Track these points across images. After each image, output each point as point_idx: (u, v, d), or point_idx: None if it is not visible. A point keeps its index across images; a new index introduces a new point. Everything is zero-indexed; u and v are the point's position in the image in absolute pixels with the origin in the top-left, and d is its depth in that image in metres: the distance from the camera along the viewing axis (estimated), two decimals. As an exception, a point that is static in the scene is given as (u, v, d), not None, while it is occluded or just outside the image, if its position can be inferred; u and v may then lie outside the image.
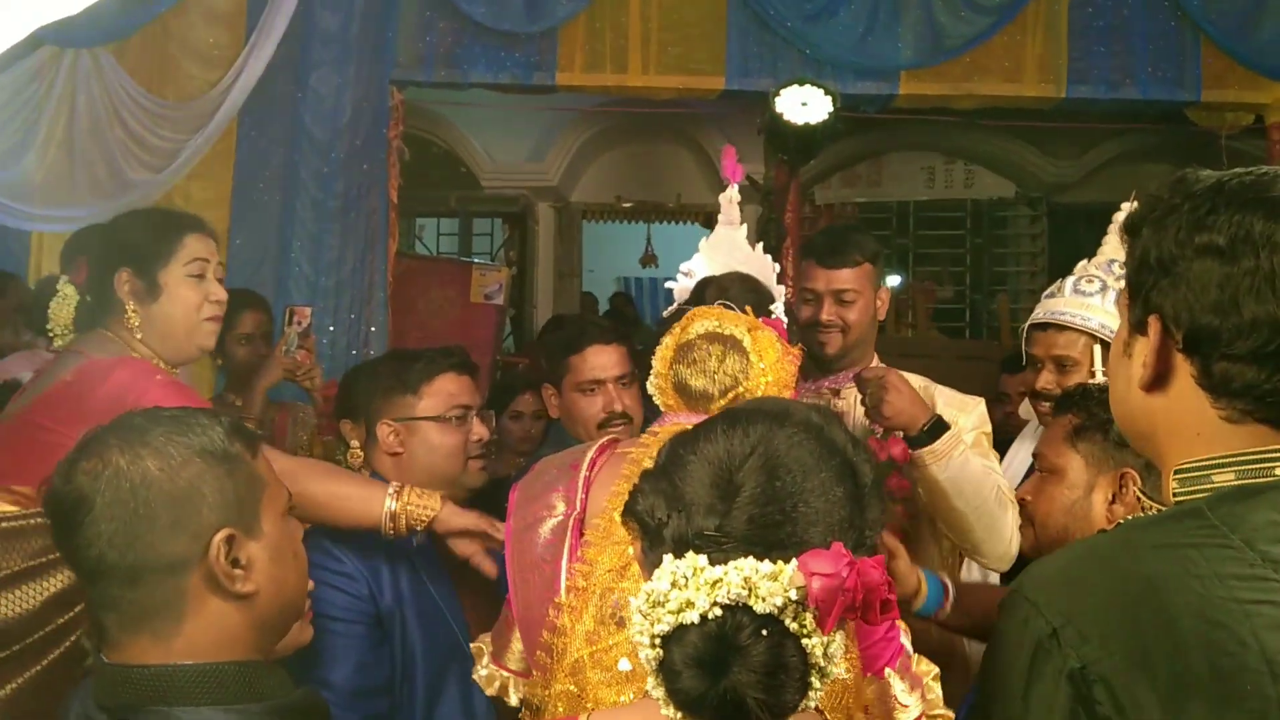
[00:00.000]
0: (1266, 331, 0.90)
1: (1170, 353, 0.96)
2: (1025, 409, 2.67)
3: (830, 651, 0.89)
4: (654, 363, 1.58)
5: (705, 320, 1.53)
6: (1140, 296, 0.98)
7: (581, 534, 1.41)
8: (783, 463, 0.93)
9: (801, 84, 3.98)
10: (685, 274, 1.90)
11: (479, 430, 1.92)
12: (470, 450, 1.91)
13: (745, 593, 0.86)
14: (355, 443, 1.98)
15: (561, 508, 1.45)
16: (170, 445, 1.05)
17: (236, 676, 1.04)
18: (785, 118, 3.91)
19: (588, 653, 1.27)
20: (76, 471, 1.04)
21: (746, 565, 0.87)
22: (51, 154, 3.60)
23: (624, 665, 0.92)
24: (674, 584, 0.88)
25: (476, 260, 6.15)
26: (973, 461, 2.03)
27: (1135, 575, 0.91)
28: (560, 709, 1.28)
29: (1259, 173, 0.94)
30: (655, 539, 0.94)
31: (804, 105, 3.92)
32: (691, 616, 0.86)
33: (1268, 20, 4.39)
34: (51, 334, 2.15)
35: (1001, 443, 2.39)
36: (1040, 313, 2.32)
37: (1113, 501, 1.60)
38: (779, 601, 0.86)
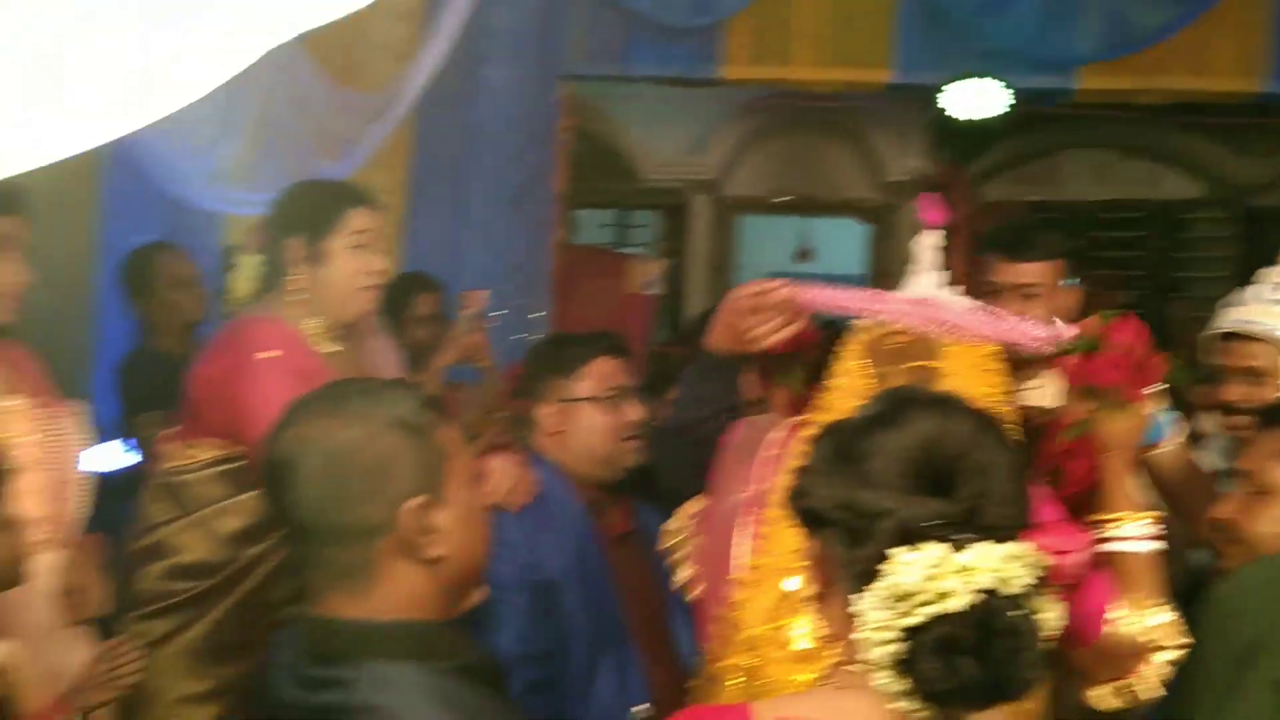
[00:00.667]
0: None
1: None
2: (1211, 422, 2.52)
3: (1055, 626, 0.91)
4: (841, 360, 1.53)
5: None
6: None
7: (759, 515, 1.43)
8: (986, 451, 0.95)
9: (973, 78, 3.86)
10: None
11: (633, 411, 1.99)
12: (626, 431, 1.97)
13: (998, 577, 0.88)
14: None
15: (745, 486, 1.47)
16: (368, 415, 1.11)
17: (427, 635, 1.10)
18: (955, 113, 3.80)
19: (766, 630, 1.29)
20: (283, 438, 1.12)
21: (990, 550, 0.89)
22: (247, 141, 3.86)
23: (803, 645, 0.93)
24: (927, 577, 0.88)
25: (634, 251, 6.24)
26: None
27: None
28: (736, 681, 1.31)
29: None
30: (861, 534, 0.93)
31: (975, 100, 3.80)
32: (954, 605, 0.87)
33: None
34: (229, 305, 2.36)
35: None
36: (1227, 322, 2.18)
37: None
38: (1027, 582, 0.88)
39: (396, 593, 1.10)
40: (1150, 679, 1.38)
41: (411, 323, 3.21)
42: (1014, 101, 3.95)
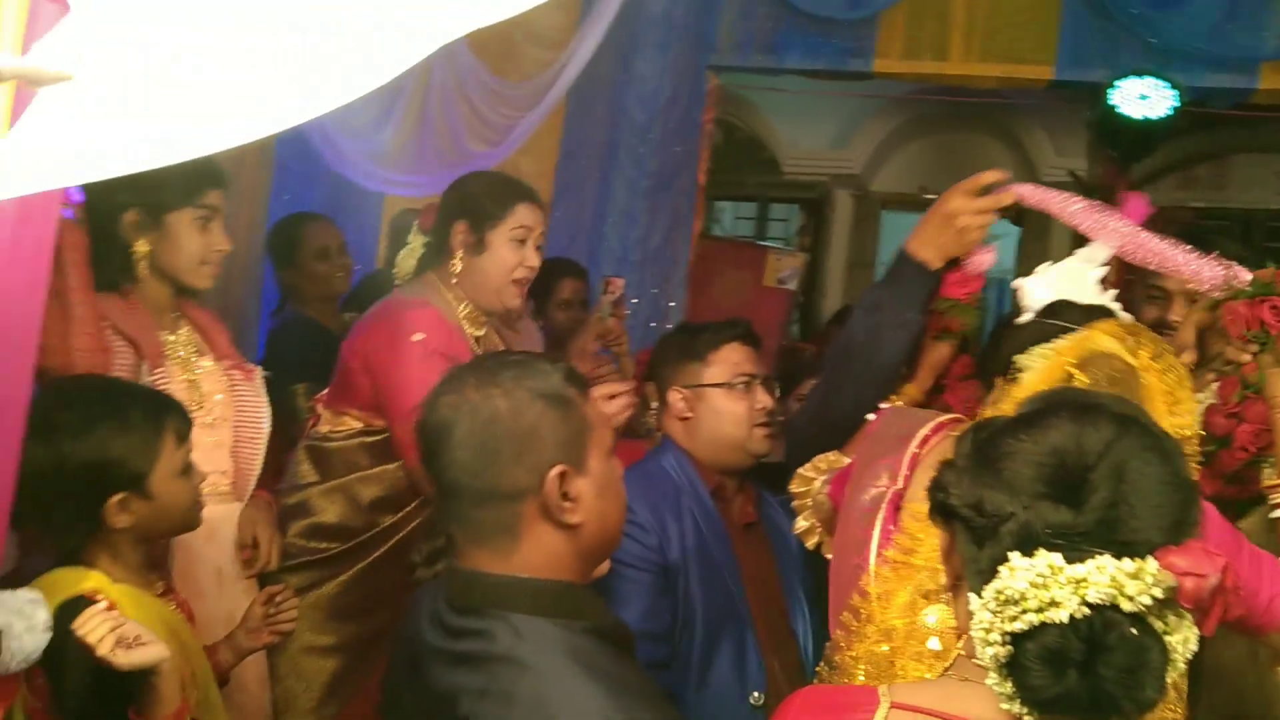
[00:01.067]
0: None
1: None
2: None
3: (1190, 647, 0.88)
4: (1036, 361, 1.48)
5: (1110, 339, 1.44)
6: None
7: (898, 509, 1.42)
8: (1133, 464, 0.91)
9: (1142, 75, 3.68)
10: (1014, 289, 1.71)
11: (763, 398, 1.99)
12: (755, 418, 1.98)
13: (1114, 592, 0.86)
14: (655, 403, 2.12)
15: (884, 480, 1.47)
16: (518, 387, 1.18)
17: (564, 594, 1.17)
18: (1120, 111, 3.64)
19: (903, 622, 1.29)
20: (440, 404, 1.20)
21: (1109, 564, 0.86)
22: (407, 127, 4.04)
23: (933, 644, 0.93)
24: (1033, 584, 0.87)
25: (772, 244, 6.22)
26: None
27: None
28: (863, 671, 1.31)
29: None
30: (986, 534, 0.93)
31: (1143, 99, 3.63)
32: (1060, 615, 0.86)
33: None
34: (396, 278, 2.48)
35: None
36: None
37: None
38: (1147, 600, 0.85)
39: (537, 553, 1.17)
40: None
41: (555, 306, 3.31)
42: (1185, 101, 3.74)
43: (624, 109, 4.20)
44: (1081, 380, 1.40)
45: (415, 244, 2.40)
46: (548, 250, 4.00)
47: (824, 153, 6.91)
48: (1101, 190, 4.17)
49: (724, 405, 1.97)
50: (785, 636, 1.89)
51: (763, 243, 6.70)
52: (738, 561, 1.89)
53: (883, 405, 1.79)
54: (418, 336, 2.07)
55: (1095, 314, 1.58)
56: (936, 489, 0.98)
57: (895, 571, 1.32)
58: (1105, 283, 1.69)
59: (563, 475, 1.16)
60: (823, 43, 4.18)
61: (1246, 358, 1.72)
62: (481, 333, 2.23)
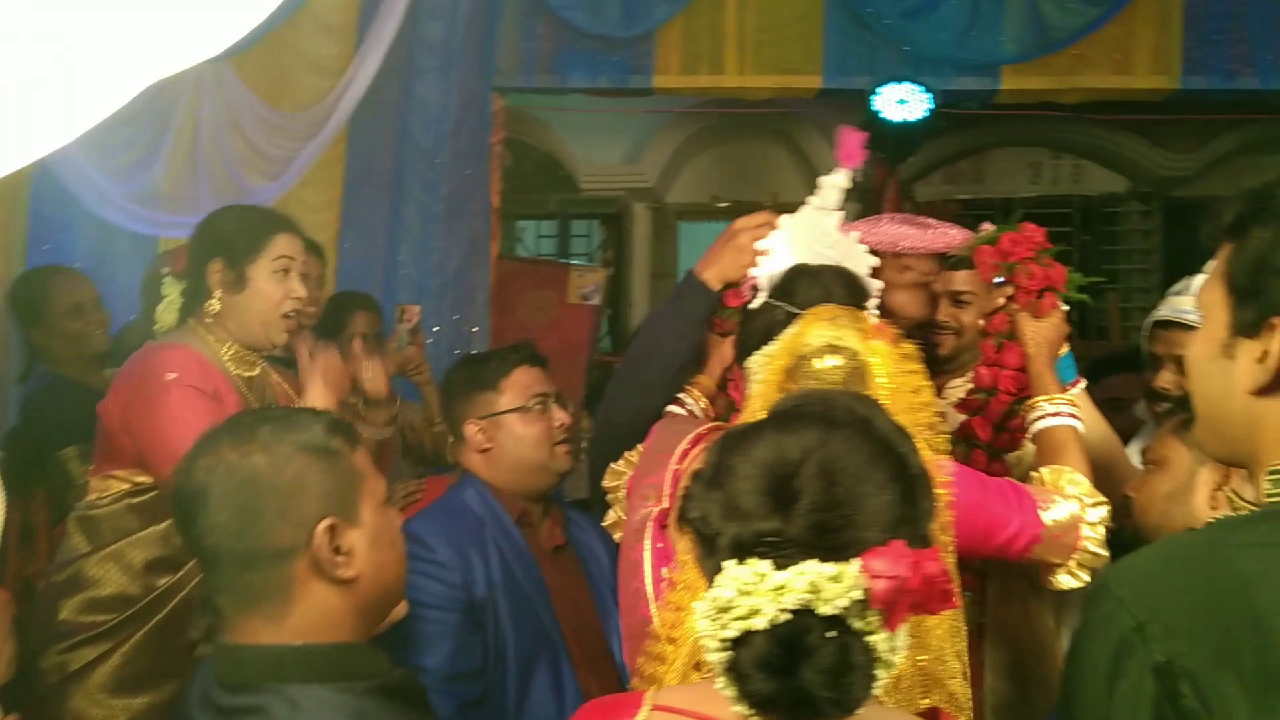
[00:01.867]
0: None
1: None
2: (1141, 409, 2.60)
3: (896, 645, 0.91)
4: (759, 369, 1.55)
5: (821, 328, 1.48)
6: (1256, 300, 0.96)
7: (664, 527, 1.44)
8: (839, 467, 0.94)
9: (900, 81, 3.93)
10: (762, 253, 1.78)
11: (560, 416, 2.00)
12: (555, 436, 1.98)
13: (810, 596, 0.88)
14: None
15: (651, 499, 1.49)
16: (277, 442, 1.13)
17: (343, 656, 1.12)
18: (883, 116, 3.88)
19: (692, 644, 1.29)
20: (194, 468, 1.13)
21: (810, 569, 0.89)
22: (177, 164, 3.81)
23: None
24: (740, 591, 0.89)
25: (574, 261, 6.25)
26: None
27: (1223, 572, 0.90)
28: None
29: None
30: (711, 546, 0.96)
31: (901, 103, 3.88)
32: (759, 623, 0.88)
33: (1400, 2, 4.16)
34: (158, 334, 2.33)
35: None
36: (1165, 310, 2.25)
37: (1218, 489, 1.59)
38: (844, 603, 0.88)
39: (313, 615, 1.11)
40: (1094, 542, 1.56)
41: (347, 341, 3.17)
42: (941, 103, 4.03)
43: (409, 135, 4.13)
44: (790, 388, 1.45)
45: (172, 294, 2.26)
46: (338, 284, 3.89)
47: (618, 168, 7.02)
48: (874, 190, 4.44)
49: (523, 429, 1.96)
50: (602, 657, 1.89)
51: (565, 260, 6.73)
52: (548, 588, 1.88)
53: (670, 408, 1.85)
54: (170, 376, 1.95)
55: (825, 283, 1.63)
56: (682, 501, 1.01)
57: (678, 596, 1.33)
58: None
59: (332, 528, 1.12)
60: (604, 60, 4.25)
61: (1001, 301, 1.93)
62: (254, 373, 2.13)
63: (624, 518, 1.75)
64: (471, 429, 1.96)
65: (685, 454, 1.54)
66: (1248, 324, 0.97)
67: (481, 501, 1.91)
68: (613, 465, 1.80)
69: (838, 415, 0.99)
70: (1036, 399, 1.78)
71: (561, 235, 7.75)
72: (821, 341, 1.48)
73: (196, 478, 1.12)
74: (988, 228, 2.01)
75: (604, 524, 1.81)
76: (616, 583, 1.96)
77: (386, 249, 4.06)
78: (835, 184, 1.79)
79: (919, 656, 1.38)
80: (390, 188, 4.10)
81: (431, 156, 4.10)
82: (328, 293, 3.68)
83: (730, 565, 0.92)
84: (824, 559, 0.89)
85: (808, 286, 1.62)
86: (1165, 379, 2.19)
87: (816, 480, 0.93)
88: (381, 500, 1.20)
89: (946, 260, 2.25)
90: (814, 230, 1.76)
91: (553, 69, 4.29)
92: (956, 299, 2.24)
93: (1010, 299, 1.91)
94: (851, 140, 1.81)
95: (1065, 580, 1.59)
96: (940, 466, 1.47)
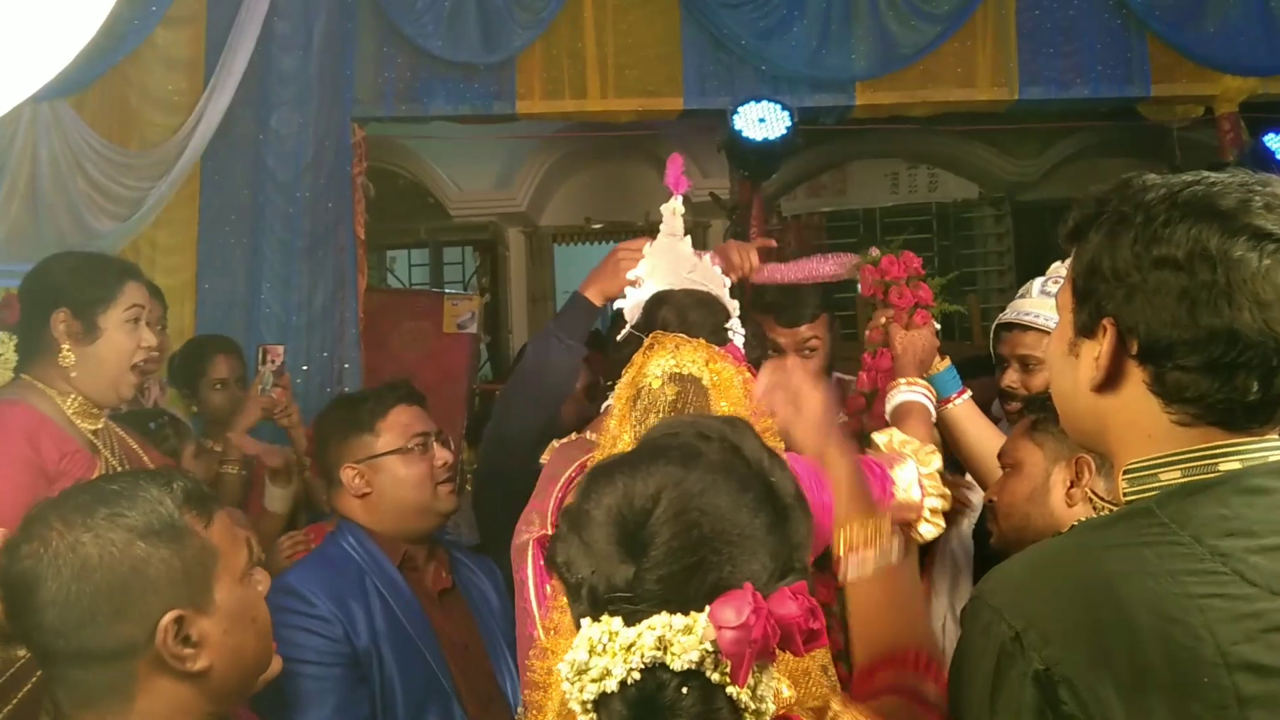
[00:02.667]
0: (1222, 344, 0.91)
1: (1123, 358, 0.98)
2: (996, 408, 2.71)
3: (760, 693, 0.87)
4: (613, 400, 1.55)
5: (661, 357, 1.48)
6: (1091, 302, 0.99)
7: (545, 552, 1.42)
8: (692, 510, 0.88)
9: (759, 101, 4.02)
10: (632, 283, 1.84)
11: (442, 455, 1.95)
12: (437, 475, 1.93)
13: (660, 652, 0.84)
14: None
15: (536, 523, 1.47)
16: (113, 527, 1.03)
17: None
18: (744, 135, 3.95)
19: None
20: (20, 554, 1.02)
21: (659, 623, 0.84)
22: (15, 208, 3.60)
23: None
24: (592, 650, 0.85)
25: (448, 290, 6.16)
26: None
27: (1092, 576, 0.93)
28: None
29: (1208, 182, 0.95)
30: (574, 595, 0.91)
31: (761, 122, 3.96)
32: (611, 684, 0.84)
33: (1211, 13, 4.48)
34: None
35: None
36: (1008, 313, 2.37)
37: (1071, 487, 1.66)
38: (695, 656, 0.83)
39: (159, 710, 1.03)
40: (935, 486, 1.66)
41: (208, 387, 3.05)
42: (799, 120, 4.13)
43: (267, 169, 3.99)
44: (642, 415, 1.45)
45: (6, 350, 2.10)
46: (198, 327, 3.72)
47: (489, 193, 6.97)
48: (741, 207, 4.52)
49: (403, 471, 1.90)
50: (495, 700, 1.85)
51: (438, 289, 6.62)
52: (436, 633, 1.82)
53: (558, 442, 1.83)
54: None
55: (682, 309, 1.65)
56: (550, 545, 0.95)
57: (556, 637, 1.31)
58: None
59: (179, 620, 1.03)
60: (465, 88, 4.21)
61: (883, 319, 2.15)
62: (98, 426, 1.99)
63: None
64: (348, 473, 1.90)
65: (570, 481, 1.52)
66: (1086, 325, 1.01)
67: (361, 548, 1.85)
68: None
69: (701, 447, 0.94)
70: (895, 380, 1.95)
71: (434, 263, 7.63)
72: (661, 371, 1.48)
73: (22, 566, 1.02)
74: (875, 252, 2.24)
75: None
76: (506, 623, 1.93)
77: (248, 288, 3.90)
78: (675, 209, 1.85)
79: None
80: (249, 225, 3.95)
81: (291, 190, 3.97)
82: (184, 337, 3.53)
83: (585, 624, 0.88)
84: (679, 609, 0.85)
85: (666, 314, 1.64)
86: (1011, 378, 2.31)
87: (669, 525, 0.87)
88: (242, 572, 1.12)
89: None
90: (672, 258, 1.80)
91: (413, 97, 4.21)
92: (806, 349, 2.43)
93: (888, 316, 2.13)
94: (674, 167, 1.87)
95: (926, 530, 1.66)
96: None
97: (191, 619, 1.04)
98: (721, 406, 1.45)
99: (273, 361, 2.85)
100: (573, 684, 0.86)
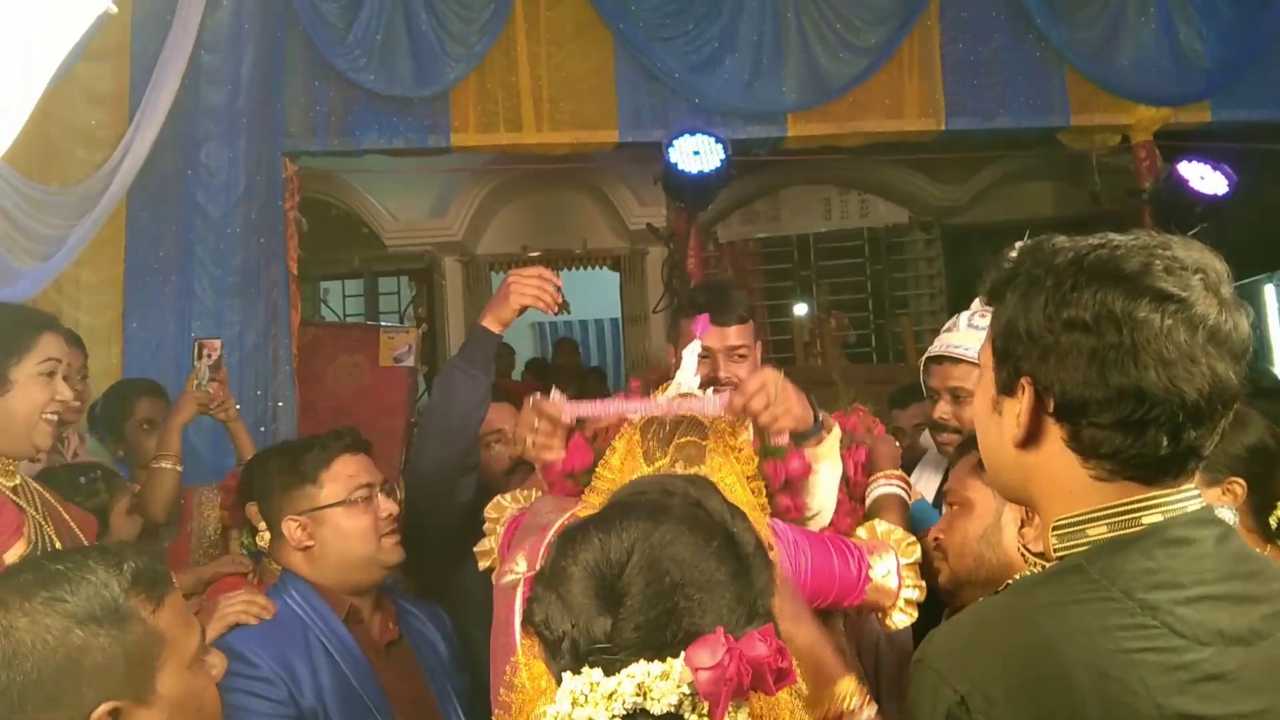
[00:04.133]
0: (1131, 402, 0.95)
1: (1041, 416, 1.01)
2: (925, 439, 2.76)
3: None
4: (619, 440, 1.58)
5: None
6: (1010, 362, 1.03)
7: None
8: (663, 561, 0.94)
9: (694, 134, 4.06)
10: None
11: (387, 506, 1.90)
12: (382, 528, 1.89)
13: (640, 699, 0.88)
14: (262, 526, 1.96)
15: (522, 564, 1.46)
16: (50, 614, 1.00)
17: None
18: (679, 168, 3.99)
19: None
20: None
21: (638, 671, 0.89)
22: (-72, 249, 3.47)
23: None
24: (574, 703, 0.89)
25: (384, 324, 6.08)
26: None
27: (1030, 637, 0.95)
28: None
29: (1113, 246, 0.99)
30: (554, 651, 0.95)
31: (696, 154, 4.00)
32: None
33: (1125, 46, 4.67)
34: None
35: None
36: (937, 346, 2.40)
37: (1022, 526, 1.67)
38: (674, 699, 0.88)
39: None
40: (912, 578, 1.68)
41: (134, 429, 3.00)
42: (732, 151, 4.18)
43: (196, 205, 3.91)
44: (644, 450, 1.53)
45: None
46: (126, 368, 3.62)
47: (425, 222, 6.92)
48: (678, 236, 4.55)
49: (347, 524, 1.85)
50: (444, 752, 1.82)
51: (373, 323, 6.54)
52: (383, 687, 1.78)
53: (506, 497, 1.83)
54: None
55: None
56: (527, 605, 0.98)
57: (533, 677, 1.31)
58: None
59: (114, 712, 1.00)
60: (398, 121, 4.19)
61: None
62: (15, 482, 1.92)
63: (495, 549, 1.74)
64: (291, 525, 1.84)
65: (557, 527, 1.52)
66: (1006, 384, 1.04)
67: (304, 603, 1.80)
68: (499, 498, 1.83)
69: (666, 501, 0.99)
70: (875, 475, 1.92)
71: (369, 293, 7.54)
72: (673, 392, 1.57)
73: None
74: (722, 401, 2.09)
75: (475, 549, 1.80)
76: (455, 673, 1.90)
77: (178, 327, 3.81)
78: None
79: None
80: (178, 262, 3.87)
81: (222, 227, 3.90)
82: (111, 377, 3.43)
83: (566, 678, 0.91)
84: (656, 656, 0.90)
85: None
86: (943, 409, 2.35)
87: (642, 575, 0.93)
88: (191, 658, 1.09)
89: None
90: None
91: (346, 131, 4.18)
92: (735, 354, 2.29)
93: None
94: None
95: (899, 619, 1.67)
96: (763, 522, 1.53)
97: (129, 710, 1.02)
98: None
99: (209, 356, 2.81)
100: None
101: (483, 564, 1.79)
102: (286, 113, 4.12)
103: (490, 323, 2.15)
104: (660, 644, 0.91)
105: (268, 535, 1.96)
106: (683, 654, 0.89)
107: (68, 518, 1.99)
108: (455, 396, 2.11)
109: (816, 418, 1.84)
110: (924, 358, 2.46)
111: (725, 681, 0.87)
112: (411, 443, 1.98)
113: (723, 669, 0.87)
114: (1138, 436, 0.96)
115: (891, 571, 1.66)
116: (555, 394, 1.77)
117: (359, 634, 1.83)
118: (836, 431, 1.89)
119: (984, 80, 4.59)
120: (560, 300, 2.16)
